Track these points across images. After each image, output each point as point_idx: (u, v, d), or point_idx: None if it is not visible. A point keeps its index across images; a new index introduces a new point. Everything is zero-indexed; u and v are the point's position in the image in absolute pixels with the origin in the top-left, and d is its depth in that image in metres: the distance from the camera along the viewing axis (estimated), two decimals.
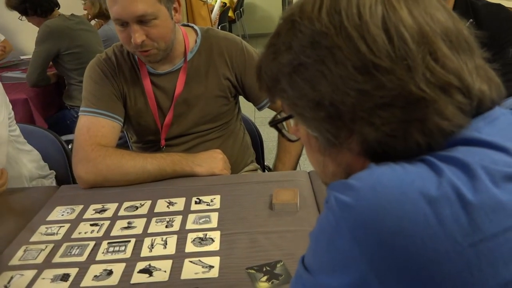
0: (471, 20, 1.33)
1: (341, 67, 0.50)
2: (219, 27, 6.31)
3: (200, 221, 1.11)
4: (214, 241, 1.02)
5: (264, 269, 0.92)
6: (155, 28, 1.27)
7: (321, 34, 0.51)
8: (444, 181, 0.45)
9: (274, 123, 0.65)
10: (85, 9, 3.46)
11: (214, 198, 1.21)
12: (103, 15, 3.34)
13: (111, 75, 1.40)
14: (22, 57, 3.76)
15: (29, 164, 1.63)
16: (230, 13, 7.33)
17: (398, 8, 0.50)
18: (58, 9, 2.87)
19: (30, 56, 2.81)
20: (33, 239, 1.10)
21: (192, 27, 1.50)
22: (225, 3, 7.06)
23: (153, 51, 1.31)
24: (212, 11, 5.69)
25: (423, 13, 0.50)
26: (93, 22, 3.34)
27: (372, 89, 0.49)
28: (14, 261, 1.02)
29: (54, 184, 1.74)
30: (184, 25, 1.49)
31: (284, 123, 0.64)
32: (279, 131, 0.66)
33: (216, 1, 6.63)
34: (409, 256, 0.43)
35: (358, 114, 0.50)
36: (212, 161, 1.35)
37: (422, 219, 0.43)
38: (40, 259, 1.02)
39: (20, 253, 1.04)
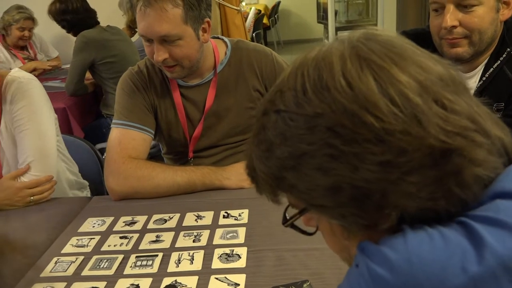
0: (508, 49, 1.26)
1: (352, 145, 0.45)
2: (254, 34, 6.34)
3: (228, 236, 1.11)
4: (240, 257, 1.01)
5: None
6: (179, 48, 1.28)
7: (317, 117, 0.47)
8: (486, 253, 0.41)
9: (289, 223, 0.57)
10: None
11: (242, 213, 1.20)
12: None
13: (143, 88, 1.42)
14: (62, 66, 3.88)
15: (67, 172, 1.66)
16: (265, 20, 7.35)
17: (387, 67, 0.46)
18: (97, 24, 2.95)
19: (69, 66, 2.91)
20: (64, 250, 1.12)
21: (222, 39, 1.50)
22: (259, 10, 7.09)
23: (177, 68, 1.33)
24: (246, 18, 5.73)
25: (413, 65, 0.47)
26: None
27: (394, 158, 0.45)
28: (46, 272, 1.04)
29: (88, 193, 1.77)
30: (214, 37, 1.49)
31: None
32: (297, 229, 0.60)
33: (250, 8, 6.67)
34: None
35: (387, 189, 0.45)
36: (241, 174, 1.35)
37: None
38: (70, 271, 1.03)
39: (51, 264, 1.06)
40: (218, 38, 1.51)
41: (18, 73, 1.48)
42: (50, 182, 1.40)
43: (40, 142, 1.43)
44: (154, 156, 1.71)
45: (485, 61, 1.27)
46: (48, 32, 3.74)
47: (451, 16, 1.19)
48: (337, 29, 5.98)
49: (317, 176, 0.48)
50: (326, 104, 0.46)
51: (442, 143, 0.44)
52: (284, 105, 0.49)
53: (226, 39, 1.50)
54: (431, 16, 1.27)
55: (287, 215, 0.58)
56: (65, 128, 2.69)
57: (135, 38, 3.38)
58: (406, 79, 0.46)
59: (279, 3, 8.13)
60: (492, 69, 1.25)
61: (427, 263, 0.42)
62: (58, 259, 1.08)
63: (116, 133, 1.39)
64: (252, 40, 6.00)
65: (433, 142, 0.44)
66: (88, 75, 2.94)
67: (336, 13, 6.35)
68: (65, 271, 1.04)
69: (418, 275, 0.41)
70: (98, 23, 2.94)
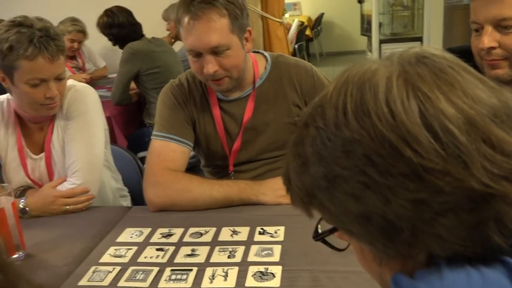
0: None
1: (387, 177, 0.43)
2: (296, 45, 6.34)
3: (263, 253, 1.09)
4: (275, 276, 1.00)
5: None
6: (228, 58, 1.29)
7: (354, 142, 0.45)
8: None
9: (319, 238, 0.57)
10: (168, 29, 3.63)
11: (278, 230, 1.19)
12: None
13: (183, 101, 1.44)
14: (109, 76, 4.00)
15: (112, 180, 1.70)
16: (308, 32, 7.35)
17: (434, 98, 0.43)
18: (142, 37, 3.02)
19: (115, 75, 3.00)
20: (102, 260, 1.14)
21: (262, 53, 1.50)
22: (302, 22, 7.09)
23: (226, 80, 1.34)
24: (289, 30, 5.74)
25: (463, 96, 0.44)
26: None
27: (430, 197, 0.42)
28: (83, 281, 1.06)
29: (129, 202, 1.80)
30: (254, 51, 1.50)
31: None
32: (328, 244, 0.59)
33: (293, 20, 6.68)
34: None
35: (418, 228, 0.43)
36: (278, 189, 1.33)
37: None
38: (106, 281, 1.05)
39: (89, 273, 1.09)
40: (258, 52, 1.52)
41: (73, 82, 1.52)
42: (87, 195, 1.43)
43: (89, 152, 1.47)
44: (193, 167, 1.73)
45: None
46: (98, 42, 3.87)
47: (489, 38, 1.14)
48: (381, 42, 5.88)
49: (349, 201, 0.46)
50: (365, 130, 0.44)
51: (485, 187, 0.41)
52: (324, 123, 0.48)
53: (266, 54, 1.50)
54: (472, 36, 1.22)
55: (319, 229, 0.57)
56: (109, 136, 2.76)
57: (176, 47, 3.45)
58: (453, 112, 0.43)
59: (322, 14, 8.11)
60: None
61: None
62: (96, 268, 1.10)
63: (156, 145, 1.41)
64: (294, 51, 6.00)
65: (475, 185, 0.41)
66: (132, 85, 3.02)
67: (380, 25, 6.26)
68: (102, 280, 1.05)
69: None
70: (143, 35, 3.02)
